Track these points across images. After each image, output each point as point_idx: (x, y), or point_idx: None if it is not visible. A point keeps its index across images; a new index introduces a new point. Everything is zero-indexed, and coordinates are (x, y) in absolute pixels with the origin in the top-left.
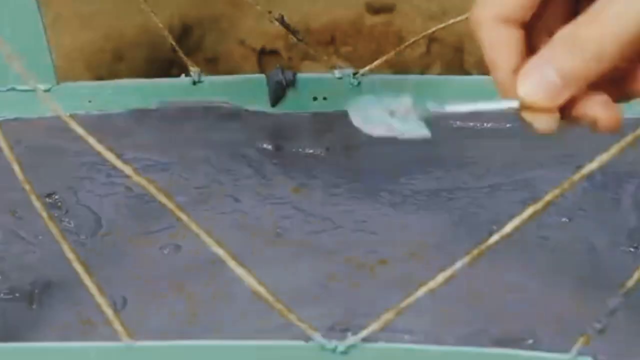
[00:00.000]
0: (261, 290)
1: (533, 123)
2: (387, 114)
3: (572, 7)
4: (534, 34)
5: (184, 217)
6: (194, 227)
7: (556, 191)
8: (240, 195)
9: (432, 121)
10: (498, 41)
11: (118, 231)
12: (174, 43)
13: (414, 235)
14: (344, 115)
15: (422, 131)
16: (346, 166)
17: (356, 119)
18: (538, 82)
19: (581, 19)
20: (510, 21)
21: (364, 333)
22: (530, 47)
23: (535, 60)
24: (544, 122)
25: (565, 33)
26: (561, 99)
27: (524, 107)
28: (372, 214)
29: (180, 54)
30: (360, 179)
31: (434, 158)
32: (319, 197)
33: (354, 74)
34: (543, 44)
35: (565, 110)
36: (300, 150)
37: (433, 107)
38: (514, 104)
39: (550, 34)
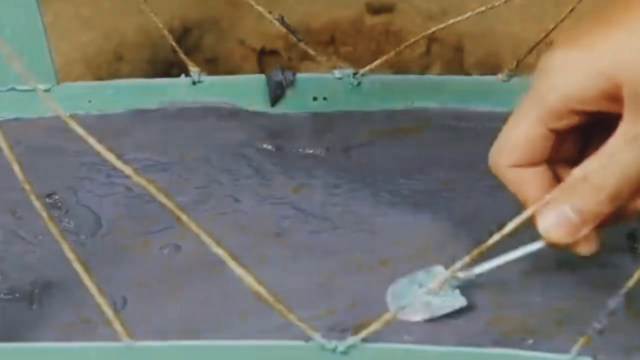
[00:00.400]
0: (261, 290)
1: (571, 250)
2: (422, 293)
3: (585, 135)
4: (554, 163)
5: (184, 217)
6: (194, 227)
7: (556, 191)
8: (240, 195)
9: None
10: (519, 182)
11: (118, 231)
12: (174, 43)
13: (414, 235)
14: (344, 115)
15: (458, 301)
16: (346, 166)
17: (394, 308)
18: (556, 221)
19: (594, 162)
20: (526, 165)
21: (364, 333)
22: (555, 175)
23: (552, 198)
24: (582, 248)
25: (579, 174)
26: (581, 235)
27: (549, 243)
28: (372, 214)
29: (180, 54)
30: (360, 179)
31: (434, 158)
32: (319, 197)
33: (354, 74)
34: (563, 173)
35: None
36: (300, 150)
37: (463, 274)
38: (539, 245)
39: (570, 162)
